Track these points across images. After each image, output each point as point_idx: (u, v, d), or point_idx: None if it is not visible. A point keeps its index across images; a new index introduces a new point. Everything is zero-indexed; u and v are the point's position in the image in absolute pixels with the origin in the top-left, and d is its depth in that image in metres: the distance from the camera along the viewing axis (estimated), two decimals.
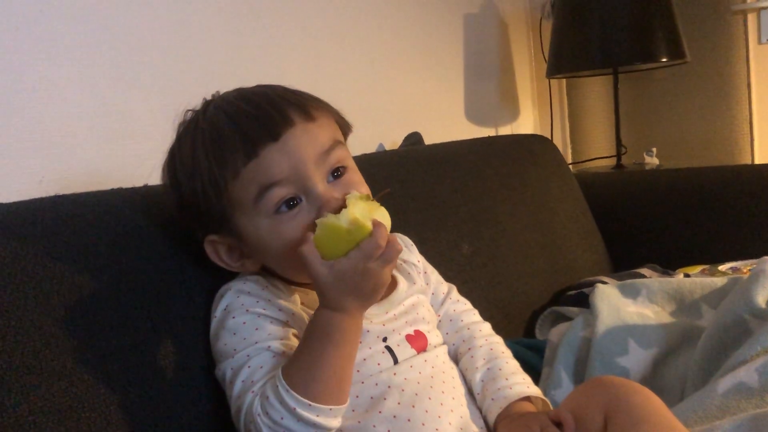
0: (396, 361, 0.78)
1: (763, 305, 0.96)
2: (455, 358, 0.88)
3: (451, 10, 2.06)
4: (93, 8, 1.12)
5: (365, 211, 0.68)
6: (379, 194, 0.73)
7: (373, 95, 1.73)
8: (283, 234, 0.73)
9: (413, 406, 0.74)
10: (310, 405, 0.66)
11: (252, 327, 0.74)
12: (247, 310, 0.75)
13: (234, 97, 0.77)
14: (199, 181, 0.74)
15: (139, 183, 0.91)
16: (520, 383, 0.83)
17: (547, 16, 2.25)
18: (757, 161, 2.24)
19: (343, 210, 0.67)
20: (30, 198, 0.79)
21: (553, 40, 2.07)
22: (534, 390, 0.83)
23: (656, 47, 1.94)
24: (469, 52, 2.12)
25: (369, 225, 0.66)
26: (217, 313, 0.77)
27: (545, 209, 1.53)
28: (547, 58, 2.15)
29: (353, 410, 0.74)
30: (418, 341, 0.81)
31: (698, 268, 1.39)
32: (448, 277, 0.99)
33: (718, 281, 1.15)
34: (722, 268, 1.36)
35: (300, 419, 0.66)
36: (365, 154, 1.28)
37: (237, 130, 0.73)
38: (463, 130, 2.09)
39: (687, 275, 1.36)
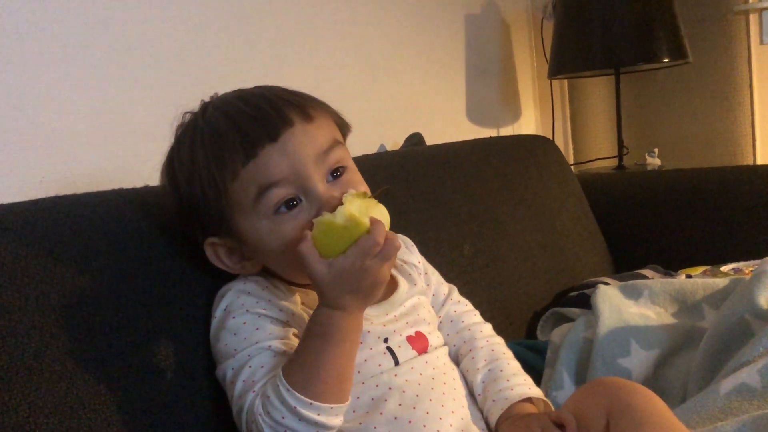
0: (397, 363, 0.77)
1: (765, 306, 0.96)
2: (456, 359, 0.88)
3: (452, 10, 2.06)
4: (94, 9, 1.12)
5: (362, 208, 0.67)
6: (377, 191, 0.73)
7: (375, 96, 1.73)
8: (282, 234, 0.73)
9: (414, 408, 0.74)
10: (311, 404, 0.66)
11: (253, 327, 0.73)
12: (247, 311, 0.75)
13: (233, 98, 0.77)
14: (198, 183, 0.74)
15: (139, 183, 0.91)
16: (521, 384, 0.83)
17: (549, 17, 2.24)
18: (759, 162, 2.24)
19: (339, 207, 0.67)
20: (30, 198, 0.79)
21: (555, 41, 2.07)
22: (535, 391, 0.83)
23: (658, 48, 1.94)
24: (471, 53, 2.12)
25: (366, 222, 0.66)
26: (217, 313, 0.77)
27: (547, 210, 1.52)
28: (548, 59, 2.15)
29: (354, 411, 0.74)
30: (419, 342, 0.81)
31: (700, 269, 1.39)
32: (449, 278, 0.99)
33: (720, 282, 1.15)
34: (724, 269, 1.36)
35: (301, 418, 0.66)
36: (366, 155, 1.28)
37: (236, 130, 0.73)
38: (464, 130, 2.09)
39: (689, 276, 1.35)
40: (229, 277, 0.80)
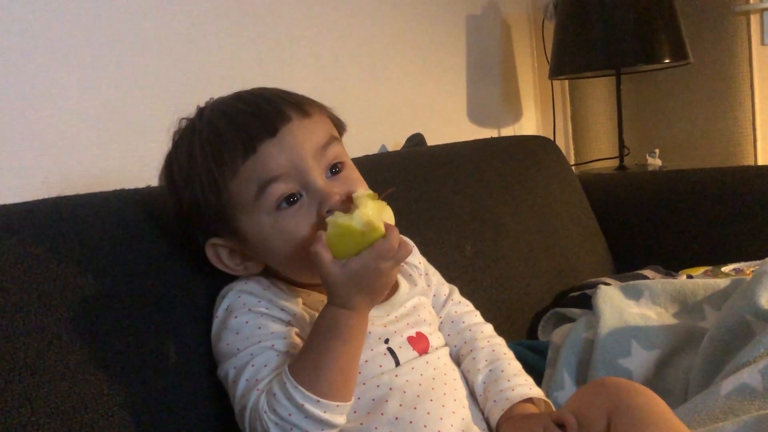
0: (398, 363, 0.78)
1: (766, 306, 0.96)
2: (457, 359, 0.88)
3: (453, 11, 2.06)
4: (96, 10, 1.12)
5: (376, 212, 0.69)
6: (384, 193, 0.73)
7: (376, 96, 1.73)
8: (286, 230, 0.73)
9: (415, 408, 0.74)
10: (318, 401, 0.66)
11: (255, 326, 0.74)
12: (249, 310, 0.75)
13: (230, 99, 0.78)
14: (197, 183, 0.74)
15: (141, 184, 0.91)
16: (522, 385, 0.83)
17: (550, 17, 2.24)
18: (760, 162, 2.24)
19: (356, 211, 0.67)
20: (32, 199, 0.79)
21: (556, 41, 2.07)
22: (536, 391, 0.83)
23: (659, 48, 1.94)
24: (472, 54, 2.12)
25: (381, 226, 0.67)
26: (219, 313, 0.77)
27: (548, 210, 1.52)
28: (549, 60, 2.14)
29: (355, 412, 0.74)
30: (419, 343, 0.81)
31: (701, 270, 1.39)
32: (450, 279, 0.99)
33: (721, 282, 1.15)
34: (725, 269, 1.36)
35: (308, 415, 0.66)
36: (368, 156, 1.28)
37: (234, 127, 0.73)
38: (465, 131, 2.09)
39: (690, 276, 1.35)
40: (230, 278, 0.81)
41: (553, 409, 0.83)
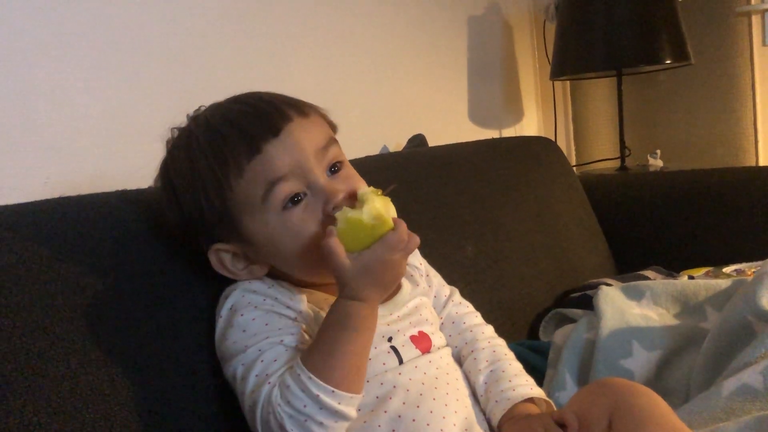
0: (401, 361, 0.78)
1: (767, 307, 0.96)
2: (458, 360, 0.88)
3: (454, 12, 2.07)
4: (99, 11, 1.12)
5: (383, 206, 0.70)
6: (387, 189, 0.74)
7: (377, 97, 1.74)
8: (294, 228, 0.73)
9: (418, 407, 0.74)
10: (333, 391, 0.66)
11: (262, 323, 0.74)
12: (255, 307, 0.75)
13: (227, 103, 0.78)
14: (200, 187, 0.74)
15: (143, 185, 0.91)
16: (523, 385, 0.83)
17: (551, 18, 2.25)
18: (761, 163, 2.24)
19: (366, 206, 0.69)
20: (35, 199, 0.79)
21: (557, 42, 2.07)
22: (537, 392, 0.83)
23: (660, 49, 1.94)
24: (473, 54, 2.12)
25: (390, 220, 0.70)
26: (223, 312, 0.77)
27: (549, 211, 1.53)
28: (550, 60, 2.15)
29: (358, 409, 0.74)
30: (422, 342, 0.81)
31: (702, 270, 1.39)
32: (452, 279, 0.99)
33: (723, 283, 1.15)
34: (726, 270, 1.36)
35: (323, 406, 0.66)
36: (369, 156, 1.28)
37: (236, 129, 0.73)
38: (466, 132, 2.09)
39: (691, 277, 1.35)
40: (231, 281, 0.80)
41: (555, 409, 0.83)
